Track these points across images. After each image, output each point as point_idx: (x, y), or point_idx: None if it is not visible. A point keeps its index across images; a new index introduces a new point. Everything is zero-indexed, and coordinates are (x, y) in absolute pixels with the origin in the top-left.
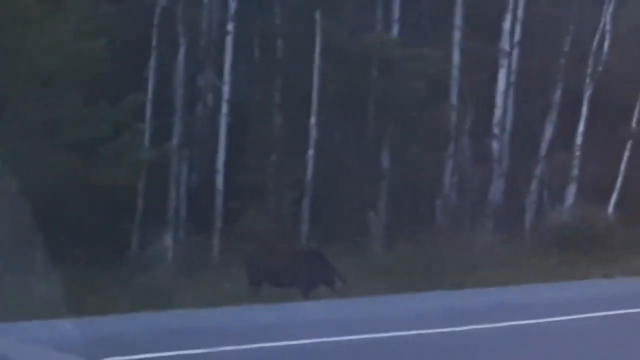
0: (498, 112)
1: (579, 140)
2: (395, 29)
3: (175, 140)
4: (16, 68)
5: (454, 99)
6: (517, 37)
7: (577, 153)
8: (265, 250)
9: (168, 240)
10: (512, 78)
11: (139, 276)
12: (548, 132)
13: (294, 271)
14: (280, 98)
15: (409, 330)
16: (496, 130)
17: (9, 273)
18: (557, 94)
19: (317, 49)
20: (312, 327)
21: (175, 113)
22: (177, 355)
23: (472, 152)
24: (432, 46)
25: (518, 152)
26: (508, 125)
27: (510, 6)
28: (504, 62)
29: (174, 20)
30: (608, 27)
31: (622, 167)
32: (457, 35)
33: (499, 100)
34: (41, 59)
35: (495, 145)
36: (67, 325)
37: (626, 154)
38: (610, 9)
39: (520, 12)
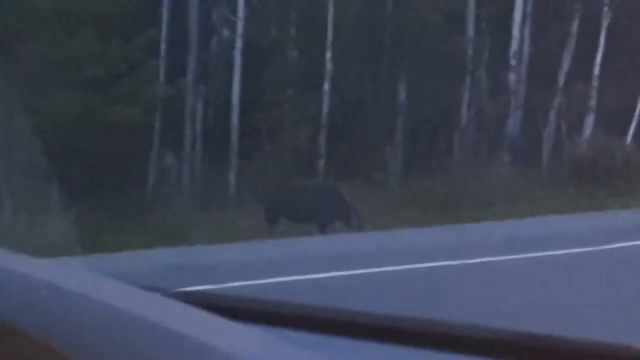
0: (515, 43)
1: (596, 70)
2: None
3: (190, 77)
4: (28, 5)
5: (470, 31)
6: None
7: (595, 84)
8: (281, 186)
9: (175, 168)
10: (529, 8)
11: (155, 212)
12: (565, 63)
13: (310, 207)
14: (295, 32)
15: (424, 263)
16: (513, 62)
17: (24, 212)
18: (575, 24)
19: None
20: (327, 261)
21: (189, 49)
22: (191, 291)
23: (488, 84)
24: None
25: (535, 83)
26: (525, 56)
27: None
28: None
29: None
30: None
31: None
32: None
33: (515, 31)
34: None
35: (512, 77)
36: (80, 263)
37: None
38: None
39: None
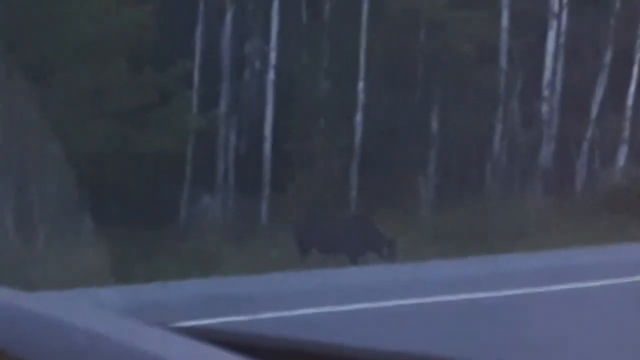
0: (547, 74)
1: (629, 101)
2: None
3: (222, 107)
4: (62, 35)
5: (503, 61)
6: None
7: (628, 115)
8: (314, 217)
9: (208, 199)
10: (562, 40)
11: (187, 243)
12: (598, 93)
13: (342, 238)
14: (328, 63)
15: (457, 295)
16: (546, 93)
17: (57, 241)
18: (608, 56)
19: (365, 12)
20: (359, 292)
21: (222, 80)
22: (224, 322)
23: (521, 115)
24: (481, 8)
25: (568, 114)
26: (558, 87)
27: None
28: (553, 23)
29: None
30: None
31: None
32: None
33: (548, 62)
34: (86, 26)
35: (544, 107)
36: (113, 293)
37: None
38: None
39: None
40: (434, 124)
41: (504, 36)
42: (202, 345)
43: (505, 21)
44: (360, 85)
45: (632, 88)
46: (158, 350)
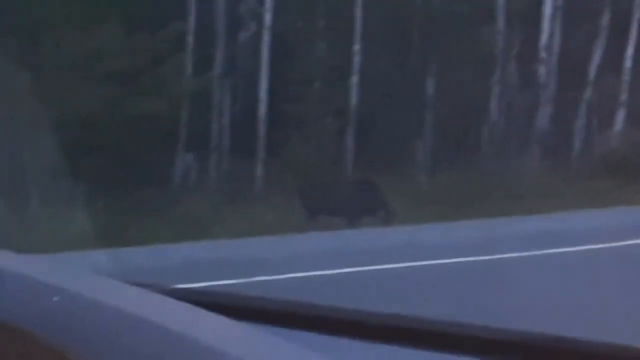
0: (545, 36)
1: (628, 64)
2: None
3: (217, 70)
4: None
5: (500, 23)
6: None
7: (626, 77)
8: (312, 180)
9: (202, 162)
10: (560, 1)
11: (180, 206)
12: (596, 56)
13: (343, 201)
14: (323, 25)
15: (453, 258)
16: (543, 55)
17: (50, 206)
18: (606, 17)
19: None
20: (355, 255)
21: (217, 42)
22: (216, 285)
23: (518, 77)
24: None
25: (566, 76)
26: (555, 49)
27: None
28: None
29: None
30: None
31: None
32: None
33: (545, 24)
34: None
35: (542, 70)
36: (104, 256)
37: None
38: None
39: None
40: (430, 87)
41: None
42: (192, 307)
43: None
44: (356, 47)
45: (630, 50)
46: (145, 312)
